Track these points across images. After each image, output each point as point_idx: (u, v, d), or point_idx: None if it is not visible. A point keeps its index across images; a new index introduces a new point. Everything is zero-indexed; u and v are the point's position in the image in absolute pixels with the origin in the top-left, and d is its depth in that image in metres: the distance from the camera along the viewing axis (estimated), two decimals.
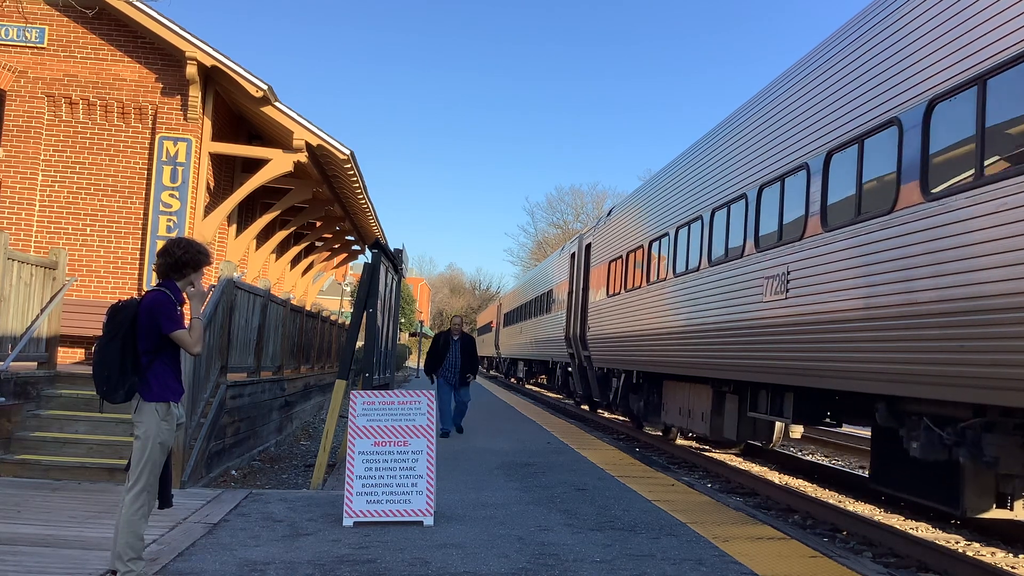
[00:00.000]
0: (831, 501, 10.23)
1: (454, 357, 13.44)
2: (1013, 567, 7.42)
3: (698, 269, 11.95)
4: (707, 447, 15.66)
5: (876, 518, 9.34)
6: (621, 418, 20.49)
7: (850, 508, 9.86)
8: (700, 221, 12.17)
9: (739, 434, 11.56)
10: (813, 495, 10.59)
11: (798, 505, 9.77)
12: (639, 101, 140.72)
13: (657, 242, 14.28)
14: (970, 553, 7.79)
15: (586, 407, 23.99)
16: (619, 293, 16.53)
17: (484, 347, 54.71)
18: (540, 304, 28.89)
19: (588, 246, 20.80)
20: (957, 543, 8.25)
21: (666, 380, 14.57)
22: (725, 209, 11.30)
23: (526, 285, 35.64)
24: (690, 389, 13.37)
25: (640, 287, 14.94)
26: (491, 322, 53.15)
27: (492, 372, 56.79)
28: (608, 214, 19.47)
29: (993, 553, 7.90)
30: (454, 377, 13.42)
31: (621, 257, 16.72)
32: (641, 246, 15.27)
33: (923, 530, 8.85)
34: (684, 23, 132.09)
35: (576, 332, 21.03)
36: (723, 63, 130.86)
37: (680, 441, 16.18)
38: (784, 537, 6.76)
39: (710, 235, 11.70)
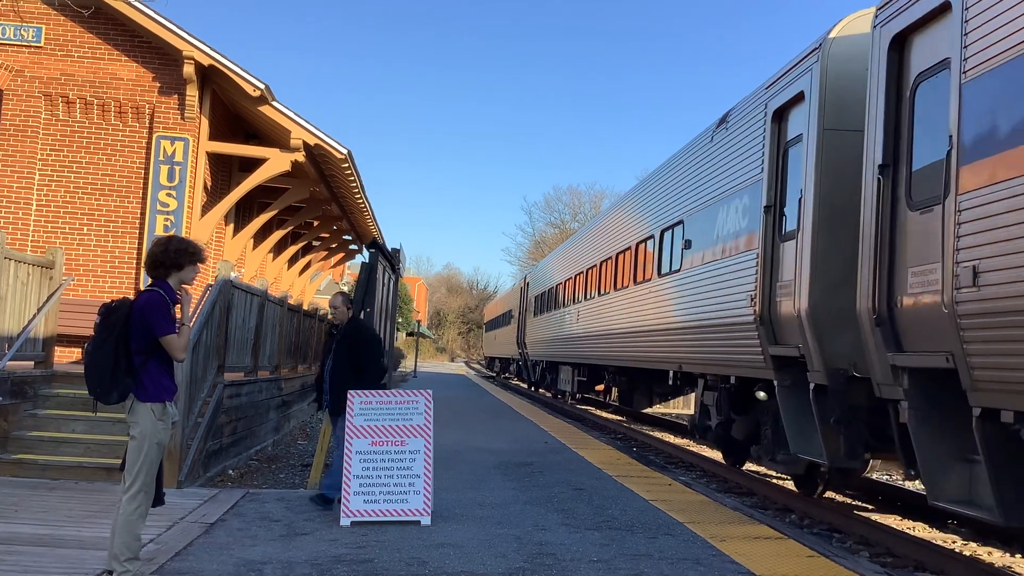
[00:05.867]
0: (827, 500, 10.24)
1: (329, 364, 7.98)
2: (1010, 567, 7.44)
3: None
4: None
5: (873, 518, 9.35)
6: None
7: None
8: None
9: None
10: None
11: (795, 505, 9.78)
12: (638, 100, 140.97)
13: None
14: (967, 552, 7.80)
15: None
16: None
17: (497, 346, 44.55)
18: (667, 245, 13.53)
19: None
20: (954, 543, 8.26)
21: None
22: None
23: (604, 228, 19.30)
24: None
25: None
26: (509, 311, 38.15)
27: (505, 376, 45.77)
28: None
29: (990, 552, 7.91)
30: (326, 399, 8.00)
31: None
32: None
33: (920, 529, 8.86)
34: (684, 22, 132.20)
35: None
36: (722, 63, 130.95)
37: None
38: (781, 537, 6.77)
39: None
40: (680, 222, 12.81)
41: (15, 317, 9.15)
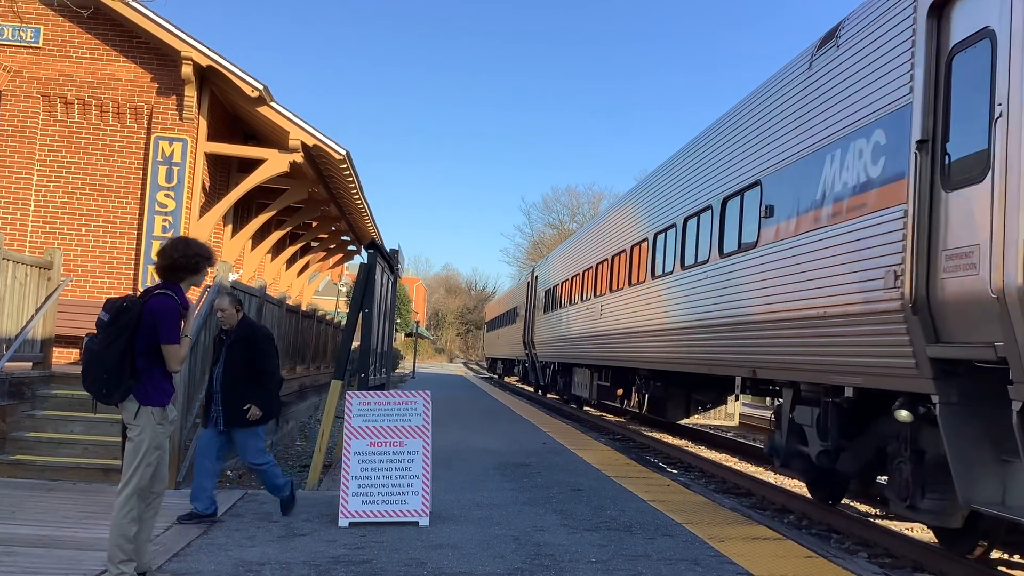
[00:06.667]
0: None
1: (218, 372, 7.15)
2: (1009, 567, 7.43)
3: None
4: None
5: (871, 519, 9.35)
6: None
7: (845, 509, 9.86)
8: None
9: None
10: (808, 495, 10.59)
11: (794, 505, 9.78)
12: (636, 101, 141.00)
13: None
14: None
15: None
16: None
17: (500, 346, 42.12)
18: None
19: None
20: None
21: None
22: None
23: (636, 208, 16.24)
24: None
25: None
26: (514, 308, 35.81)
27: (508, 379, 44.40)
28: None
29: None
30: (217, 411, 7.07)
31: None
32: None
33: (918, 530, 8.86)
34: (682, 23, 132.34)
35: None
36: (721, 64, 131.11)
37: None
38: (780, 537, 6.78)
39: None
40: (756, 184, 10.04)
41: (13, 318, 9.14)
